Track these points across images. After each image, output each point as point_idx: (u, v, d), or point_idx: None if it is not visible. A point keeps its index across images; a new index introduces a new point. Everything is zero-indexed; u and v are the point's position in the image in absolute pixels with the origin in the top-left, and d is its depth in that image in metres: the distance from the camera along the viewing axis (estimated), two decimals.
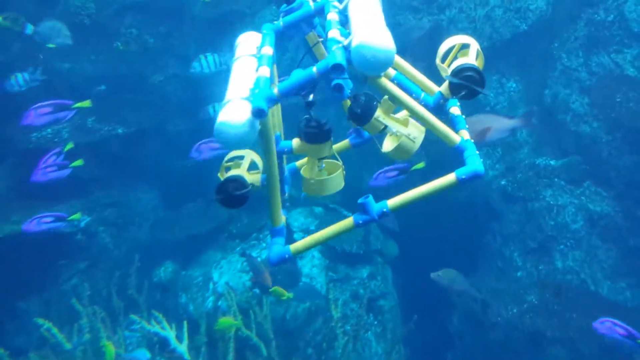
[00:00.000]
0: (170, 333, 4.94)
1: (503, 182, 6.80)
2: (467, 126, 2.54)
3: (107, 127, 6.86)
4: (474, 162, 2.29)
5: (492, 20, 7.01)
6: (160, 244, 6.78)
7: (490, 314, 5.71)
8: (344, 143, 2.86)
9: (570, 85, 7.01)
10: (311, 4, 2.53)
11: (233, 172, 2.43)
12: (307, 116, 2.30)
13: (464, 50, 2.48)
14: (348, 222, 2.36)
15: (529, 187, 6.65)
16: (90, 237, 6.44)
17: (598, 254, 6.21)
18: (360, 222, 2.33)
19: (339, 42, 2.19)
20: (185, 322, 5.06)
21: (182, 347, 4.89)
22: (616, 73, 6.74)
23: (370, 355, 5.69)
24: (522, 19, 7.07)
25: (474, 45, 2.46)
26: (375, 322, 6.01)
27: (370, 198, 2.33)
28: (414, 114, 2.36)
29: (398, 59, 2.56)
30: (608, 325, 4.75)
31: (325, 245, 6.47)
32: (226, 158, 2.55)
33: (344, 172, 2.43)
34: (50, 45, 6.18)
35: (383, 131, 2.39)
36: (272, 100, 2.15)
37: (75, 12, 7.31)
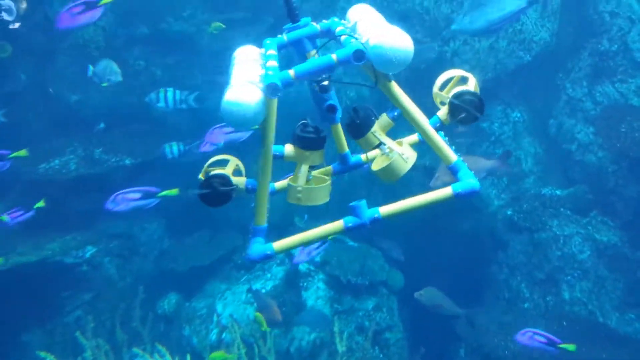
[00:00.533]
0: None
1: (509, 212, 6.77)
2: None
3: (114, 158, 6.91)
4: (469, 178, 2.28)
5: (496, 51, 7.05)
6: (164, 275, 6.76)
7: (498, 347, 5.63)
8: (327, 169, 2.78)
9: (575, 115, 7.02)
10: (316, 25, 2.54)
11: (217, 171, 2.41)
12: (304, 121, 2.31)
13: (462, 82, 2.52)
14: (338, 224, 2.29)
15: (535, 217, 6.61)
16: (95, 268, 6.44)
17: (606, 284, 6.14)
18: (351, 225, 2.27)
19: (353, 37, 2.22)
20: (188, 356, 5.02)
21: None
22: (621, 103, 6.75)
23: None
24: (526, 50, 7.11)
25: (473, 79, 2.51)
26: (381, 356, 5.93)
27: (363, 202, 2.29)
28: (416, 124, 2.33)
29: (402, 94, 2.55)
30: (529, 335, 4.91)
31: (329, 276, 6.44)
32: (209, 162, 2.51)
33: (331, 187, 2.40)
34: (104, 84, 6.30)
35: (376, 147, 2.38)
36: (288, 81, 2.13)
37: (84, 45, 7.43)
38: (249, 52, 2.53)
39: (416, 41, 7.63)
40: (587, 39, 7.16)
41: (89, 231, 6.52)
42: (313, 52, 2.55)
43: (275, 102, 2.25)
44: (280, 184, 2.70)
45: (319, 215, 6.34)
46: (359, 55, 2.07)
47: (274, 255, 2.33)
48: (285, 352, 5.56)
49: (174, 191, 5.58)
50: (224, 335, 5.28)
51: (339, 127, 2.64)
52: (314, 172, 2.50)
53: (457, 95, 2.36)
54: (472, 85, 2.48)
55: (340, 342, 5.07)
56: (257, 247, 2.35)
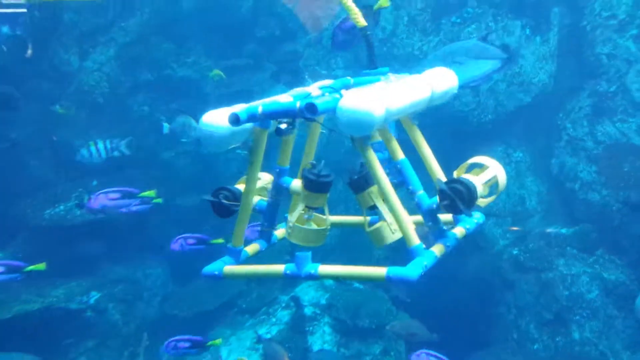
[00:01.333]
0: None
1: (515, 252, 6.74)
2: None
3: None
4: (413, 268, 2.10)
5: (496, 93, 7.15)
6: (169, 320, 6.68)
7: None
8: (344, 218, 2.70)
9: (577, 154, 7.07)
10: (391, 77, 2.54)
11: (238, 186, 2.43)
12: (313, 162, 2.29)
13: (481, 169, 2.37)
14: (278, 268, 2.26)
15: (541, 256, 6.59)
16: (100, 314, 6.37)
17: (615, 324, 6.07)
18: (289, 272, 2.22)
19: (335, 91, 2.22)
20: None
21: None
22: (622, 142, 6.81)
23: None
24: (526, 91, 7.21)
25: (491, 172, 2.35)
26: None
27: (309, 254, 2.23)
28: (383, 195, 2.21)
29: (422, 141, 2.46)
30: (423, 358, 5.06)
31: (336, 320, 6.37)
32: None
33: (328, 232, 2.35)
34: (184, 140, 6.40)
35: (372, 209, 2.32)
36: (252, 115, 2.17)
37: (89, 91, 7.54)
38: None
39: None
40: (585, 80, 7.27)
41: (93, 276, 6.48)
42: None
43: (263, 133, 2.30)
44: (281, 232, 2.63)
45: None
46: (309, 107, 2.04)
47: (220, 277, 2.32)
48: None
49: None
50: None
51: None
52: (334, 218, 2.45)
53: (448, 182, 2.22)
54: (484, 177, 2.32)
55: None
56: (215, 264, 2.36)
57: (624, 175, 6.42)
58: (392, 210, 2.21)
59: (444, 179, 2.41)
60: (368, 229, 2.34)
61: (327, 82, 2.41)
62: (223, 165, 7.44)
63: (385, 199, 2.22)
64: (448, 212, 2.22)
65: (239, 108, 2.22)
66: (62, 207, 6.58)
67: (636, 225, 6.35)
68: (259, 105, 2.20)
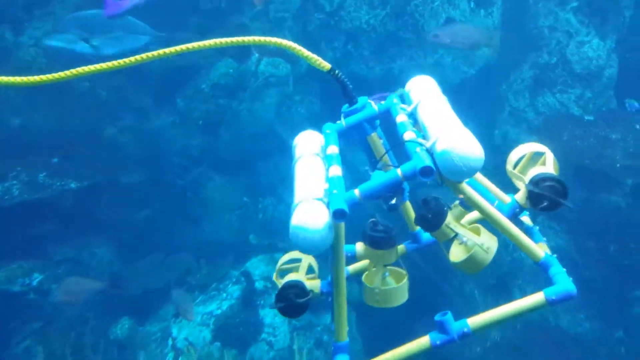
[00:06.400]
0: None
1: None
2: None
3: (59, 182, 6.71)
4: (564, 281, 2.13)
5: (442, 66, 7.24)
6: (116, 300, 6.57)
7: (453, 354, 5.70)
8: (399, 248, 2.59)
9: (519, 125, 7.25)
10: (374, 106, 2.48)
11: (291, 277, 2.32)
12: (373, 219, 2.20)
13: (537, 158, 2.39)
14: (424, 343, 2.16)
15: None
16: (44, 296, 6.20)
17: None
18: (439, 343, 2.15)
19: (420, 144, 2.09)
20: None
21: None
22: (562, 112, 7.01)
23: None
24: (470, 64, 7.32)
25: (550, 155, 2.37)
26: None
27: (449, 315, 2.18)
28: (494, 223, 2.17)
29: None
30: None
31: None
32: (281, 261, 2.46)
33: (408, 280, 2.30)
34: None
35: (452, 239, 2.24)
36: (353, 202, 2.02)
37: (26, 67, 7.22)
38: (310, 145, 2.44)
39: (364, 58, 7.70)
40: (527, 52, 7.43)
41: (36, 258, 6.29)
42: (374, 135, 2.52)
43: (342, 224, 2.15)
44: (354, 267, 2.60)
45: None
46: (427, 171, 1.96)
47: None
48: None
49: None
50: (180, 359, 5.15)
51: (407, 204, 2.57)
52: (390, 268, 2.36)
53: (536, 182, 2.19)
54: (550, 162, 2.33)
55: (300, 359, 5.02)
56: None
57: (563, 144, 6.63)
58: (505, 228, 2.16)
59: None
60: (458, 259, 2.23)
61: (335, 149, 2.34)
62: (168, 142, 7.30)
63: (493, 219, 2.17)
64: (547, 211, 2.19)
65: (317, 201, 2.04)
66: None
67: (575, 193, 6.57)
68: (355, 190, 2.05)
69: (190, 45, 2.20)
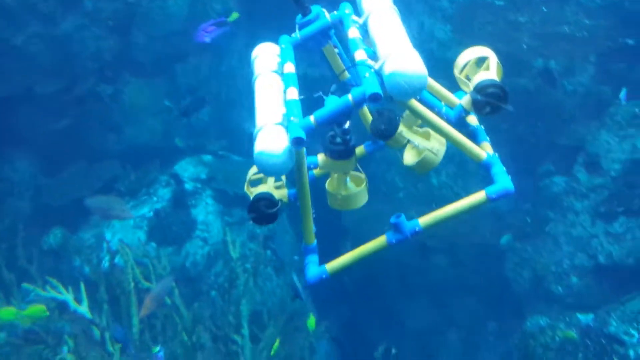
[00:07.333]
0: (68, 296, 4.87)
1: None
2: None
3: None
4: (503, 180, 2.31)
5: None
6: (45, 212, 6.54)
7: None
8: (359, 150, 2.73)
9: (434, 15, 7.38)
10: (327, 15, 2.49)
11: (260, 189, 2.42)
12: (332, 132, 2.25)
13: (481, 63, 2.48)
14: (380, 242, 2.36)
15: None
16: None
17: (468, 167, 6.68)
18: (394, 241, 2.34)
19: (369, 66, 2.15)
20: (82, 284, 4.99)
21: (83, 308, 4.85)
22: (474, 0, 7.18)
23: (272, 287, 5.92)
24: None
25: (493, 58, 2.45)
26: (274, 258, 6.23)
27: (403, 217, 2.35)
28: (440, 132, 2.35)
29: None
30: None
31: (217, 191, 6.56)
32: (250, 172, 2.54)
33: (367, 184, 2.43)
34: None
35: (405, 145, 2.42)
36: (310, 129, 2.12)
37: None
38: (268, 60, 2.48)
39: None
40: None
41: None
42: (329, 46, 2.55)
43: (302, 148, 2.23)
44: (318, 171, 2.68)
45: None
46: (375, 97, 2.04)
47: (328, 277, 2.41)
48: (181, 267, 5.69)
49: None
50: (116, 260, 5.27)
51: (365, 109, 2.64)
52: (351, 173, 2.47)
53: (479, 90, 2.29)
54: (493, 66, 2.42)
55: (234, 250, 5.26)
56: (313, 269, 2.42)
57: (475, 31, 6.84)
58: (449, 135, 2.33)
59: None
60: (410, 162, 2.46)
61: (292, 68, 2.39)
62: (79, 45, 7.01)
63: (438, 129, 2.34)
64: (490, 115, 2.31)
65: (277, 126, 2.12)
66: None
67: None
68: (311, 117, 2.13)
69: None
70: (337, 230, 6.55)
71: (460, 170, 6.71)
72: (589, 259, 5.89)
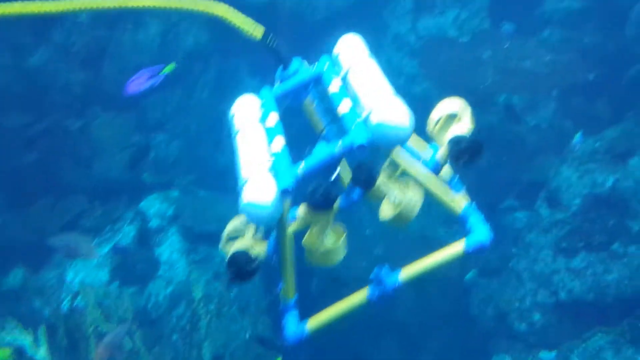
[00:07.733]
0: (26, 340, 4.82)
1: None
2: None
3: None
4: (481, 232, 2.34)
5: None
6: (7, 249, 6.45)
7: (342, 271, 6.08)
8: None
9: (402, 50, 7.49)
10: (308, 67, 2.55)
11: (238, 245, 2.42)
12: (313, 186, 2.24)
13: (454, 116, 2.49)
14: (360, 297, 2.37)
15: None
16: None
17: (431, 208, 6.75)
18: (375, 298, 2.35)
19: (355, 117, 2.20)
20: (43, 327, 4.94)
21: (41, 352, 4.80)
22: (439, 35, 7.30)
23: (237, 329, 5.88)
24: None
25: (466, 111, 2.49)
26: (240, 297, 6.20)
27: (386, 267, 2.37)
28: (421, 184, 2.39)
29: None
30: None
31: (183, 228, 6.53)
32: (226, 231, 2.54)
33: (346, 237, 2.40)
34: None
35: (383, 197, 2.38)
36: (297, 180, 2.14)
37: None
38: (248, 113, 2.47)
39: None
40: None
41: None
42: (307, 101, 2.61)
43: (288, 199, 2.27)
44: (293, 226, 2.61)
45: None
46: (362, 150, 2.11)
47: (309, 335, 2.38)
48: (143, 309, 5.64)
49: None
50: (77, 302, 5.22)
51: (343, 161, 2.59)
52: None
53: (455, 143, 2.33)
54: (465, 118, 2.46)
55: (197, 290, 5.23)
56: (292, 328, 2.41)
57: (440, 66, 6.95)
58: (428, 190, 2.38)
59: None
60: (385, 217, 2.38)
61: (276, 117, 2.42)
62: (49, 77, 7.00)
63: (418, 180, 2.38)
64: (467, 167, 2.33)
65: (265, 176, 2.13)
66: None
67: None
68: (299, 167, 2.16)
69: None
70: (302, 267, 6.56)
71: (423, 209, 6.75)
72: (551, 295, 5.92)
